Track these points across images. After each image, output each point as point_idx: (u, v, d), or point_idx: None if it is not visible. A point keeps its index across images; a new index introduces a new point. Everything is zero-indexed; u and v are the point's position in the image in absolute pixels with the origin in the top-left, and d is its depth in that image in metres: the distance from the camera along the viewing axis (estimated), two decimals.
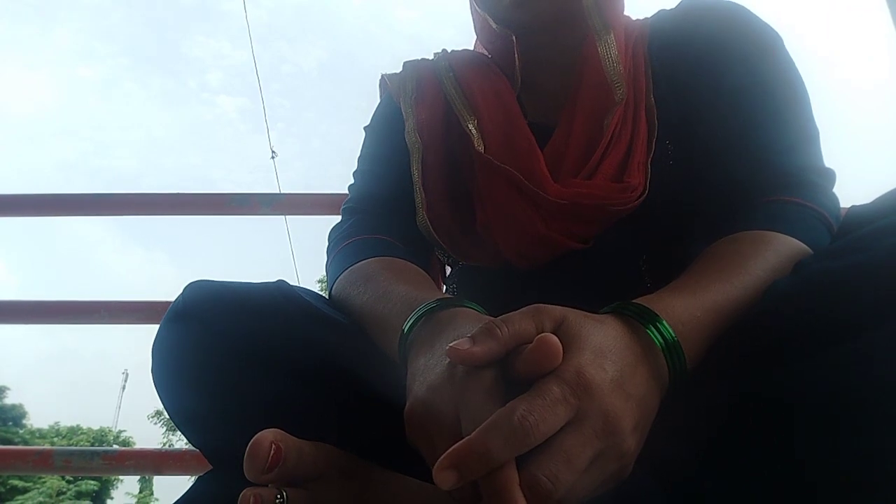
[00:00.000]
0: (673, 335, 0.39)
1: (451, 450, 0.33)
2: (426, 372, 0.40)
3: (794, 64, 0.63)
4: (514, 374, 0.37)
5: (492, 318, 0.39)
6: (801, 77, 0.63)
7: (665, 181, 0.60)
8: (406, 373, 0.43)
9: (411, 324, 0.45)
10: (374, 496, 0.43)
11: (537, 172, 0.60)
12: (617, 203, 0.58)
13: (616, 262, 0.60)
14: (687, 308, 0.42)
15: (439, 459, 0.32)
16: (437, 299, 0.46)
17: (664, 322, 0.40)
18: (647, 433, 0.38)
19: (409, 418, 0.39)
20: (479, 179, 0.64)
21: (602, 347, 0.37)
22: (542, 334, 0.36)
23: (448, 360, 0.38)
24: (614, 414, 0.35)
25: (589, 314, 0.39)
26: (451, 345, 0.37)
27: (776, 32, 0.65)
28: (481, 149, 0.64)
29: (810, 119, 0.61)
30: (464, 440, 0.33)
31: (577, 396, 0.34)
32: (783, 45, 0.64)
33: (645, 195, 0.59)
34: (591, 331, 0.37)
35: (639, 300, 0.42)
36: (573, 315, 0.38)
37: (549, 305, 0.39)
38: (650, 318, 0.40)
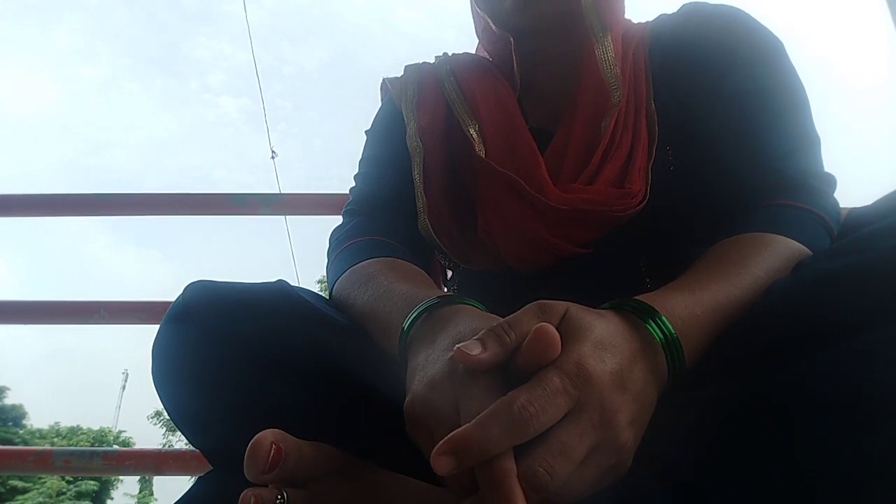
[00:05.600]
0: (672, 331, 0.39)
1: (449, 436, 0.33)
2: (426, 367, 0.40)
3: (794, 70, 0.64)
4: (514, 367, 0.37)
5: (496, 316, 0.39)
6: (801, 83, 0.63)
7: (666, 186, 0.60)
8: (406, 371, 0.43)
9: (411, 321, 0.45)
10: (373, 496, 0.43)
11: (538, 177, 0.60)
12: (618, 209, 0.58)
13: (617, 266, 0.60)
14: (687, 306, 0.42)
15: (438, 444, 0.33)
16: (438, 296, 0.46)
17: (664, 318, 0.40)
18: (646, 431, 0.38)
19: (409, 413, 0.39)
20: (479, 184, 0.64)
21: (602, 340, 0.37)
22: (540, 324, 0.35)
23: (448, 354, 0.38)
24: (611, 406, 0.35)
25: (589, 308, 0.40)
26: (459, 346, 0.36)
27: (777, 38, 0.65)
28: (482, 153, 0.64)
29: (811, 125, 0.61)
30: (463, 427, 0.33)
31: (578, 387, 0.34)
32: (784, 51, 0.65)
33: (646, 201, 0.59)
34: (592, 323, 0.38)
35: (639, 297, 0.42)
36: (574, 308, 0.39)
37: (553, 301, 0.39)
38: (650, 313, 0.40)
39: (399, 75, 0.76)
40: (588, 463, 0.35)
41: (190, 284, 0.53)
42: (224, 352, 0.47)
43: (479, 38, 0.78)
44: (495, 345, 0.37)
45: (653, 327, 0.39)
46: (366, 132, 0.78)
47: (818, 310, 0.38)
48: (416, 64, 0.77)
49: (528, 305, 0.39)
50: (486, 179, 0.63)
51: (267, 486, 0.39)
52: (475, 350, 0.36)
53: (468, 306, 0.45)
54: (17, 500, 15.46)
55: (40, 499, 15.95)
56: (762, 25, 0.66)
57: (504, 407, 0.33)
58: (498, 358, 0.36)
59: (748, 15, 0.67)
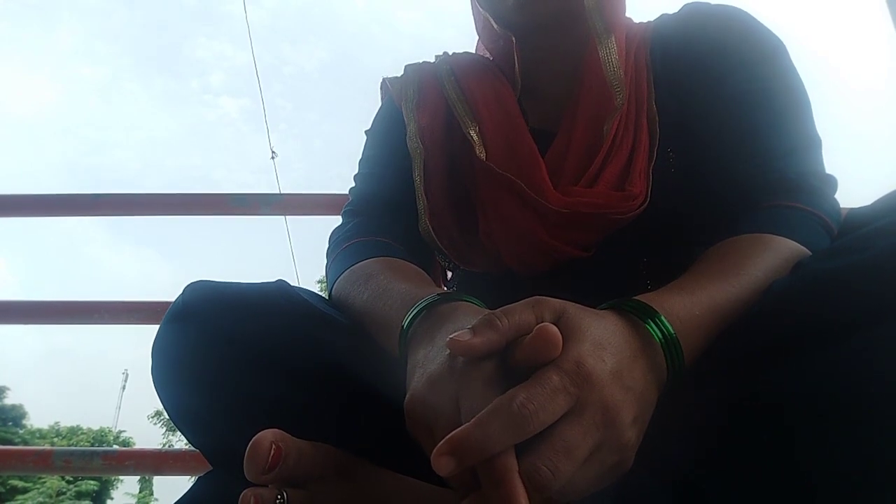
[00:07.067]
0: (671, 331, 0.39)
1: (449, 436, 0.33)
2: (426, 363, 0.40)
3: (795, 70, 0.64)
4: (513, 365, 0.37)
5: (492, 311, 0.39)
6: (802, 84, 0.63)
7: (666, 188, 0.60)
8: (406, 369, 0.43)
9: (411, 318, 0.45)
10: (373, 496, 0.43)
11: (538, 180, 0.60)
12: (618, 211, 0.57)
13: (617, 269, 0.60)
14: (686, 306, 0.42)
15: (438, 445, 0.33)
16: (437, 294, 0.46)
17: (663, 318, 0.40)
18: (647, 430, 0.38)
19: (409, 409, 0.39)
20: (480, 186, 0.64)
21: (601, 340, 0.37)
22: (542, 324, 0.36)
23: (448, 351, 0.38)
24: (614, 405, 0.35)
25: (588, 308, 0.40)
26: (451, 336, 0.37)
27: (778, 39, 0.65)
28: (483, 155, 0.64)
29: (811, 125, 0.61)
30: (463, 426, 0.33)
31: (577, 386, 0.34)
32: (785, 52, 0.64)
33: (646, 203, 0.58)
34: (591, 323, 0.38)
35: (638, 297, 0.42)
36: (573, 308, 0.39)
37: (550, 298, 0.39)
38: (649, 313, 0.40)
39: (399, 75, 0.76)
40: (591, 461, 0.34)
41: (190, 284, 0.53)
42: (224, 352, 0.47)
43: (479, 36, 0.78)
44: (487, 330, 0.37)
45: (652, 327, 0.39)
46: (366, 132, 0.78)
47: (817, 309, 0.38)
48: (416, 63, 0.77)
49: (523, 300, 0.39)
50: (487, 182, 0.63)
51: (267, 486, 0.39)
52: (466, 336, 0.36)
53: (467, 303, 0.45)
54: (17, 500, 15.46)
55: (40, 499, 15.95)
56: (763, 26, 0.66)
57: (503, 405, 0.33)
58: (492, 343, 0.36)
59: (749, 15, 0.67)
